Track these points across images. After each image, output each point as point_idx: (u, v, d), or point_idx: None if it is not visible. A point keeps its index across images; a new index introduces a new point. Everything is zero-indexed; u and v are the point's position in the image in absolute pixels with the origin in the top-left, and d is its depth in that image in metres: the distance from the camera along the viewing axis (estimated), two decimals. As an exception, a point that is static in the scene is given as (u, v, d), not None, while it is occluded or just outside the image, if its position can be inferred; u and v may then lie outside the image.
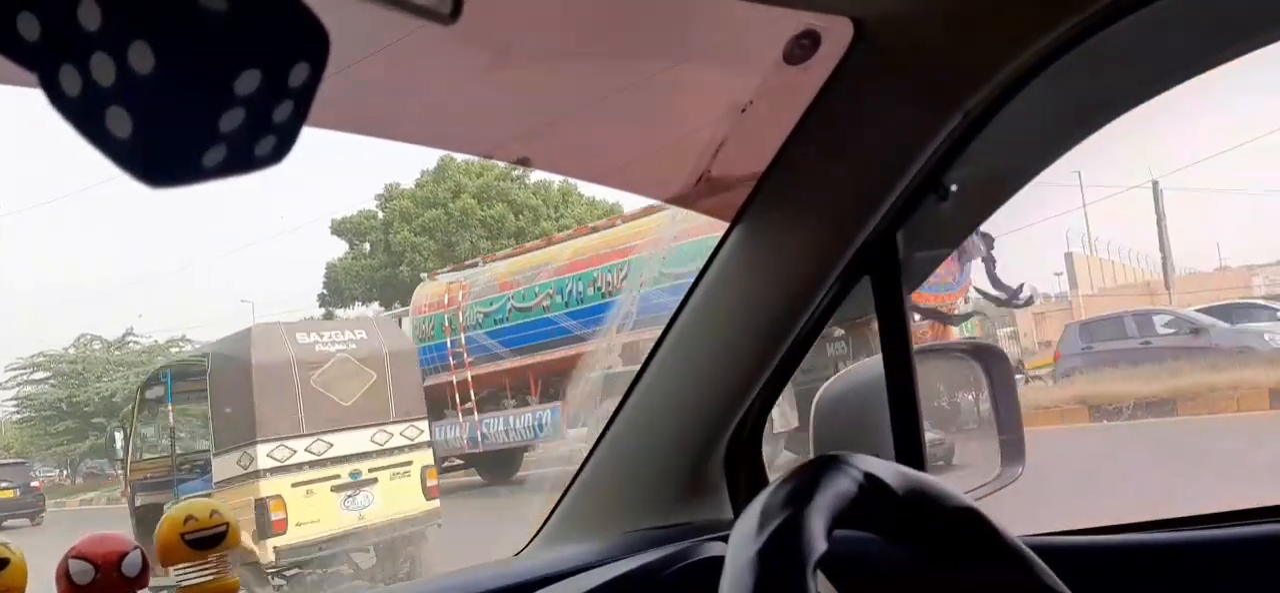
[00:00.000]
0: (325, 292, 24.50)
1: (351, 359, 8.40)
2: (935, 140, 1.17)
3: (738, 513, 1.50)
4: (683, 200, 1.30)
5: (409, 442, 8.59)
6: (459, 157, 23.01)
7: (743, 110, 1.18)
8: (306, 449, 8.04)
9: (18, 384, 30.72)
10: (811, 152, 1.22)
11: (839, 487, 0.81)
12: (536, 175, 23.51)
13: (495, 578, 1.27)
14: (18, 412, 31.40)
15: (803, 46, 1.11)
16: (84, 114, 0.48)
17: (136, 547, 0.91)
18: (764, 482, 1.51)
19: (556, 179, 23.41)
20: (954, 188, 1.27)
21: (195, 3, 0.47)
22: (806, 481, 0.80)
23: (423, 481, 8.51)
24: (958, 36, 1.10)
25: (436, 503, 8.63)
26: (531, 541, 1.62)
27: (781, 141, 1.21)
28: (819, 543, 0.74)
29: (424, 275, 15.92)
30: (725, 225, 1.34)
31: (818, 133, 1.20)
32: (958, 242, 1.38)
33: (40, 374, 30.64)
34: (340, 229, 24.14)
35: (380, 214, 23.58)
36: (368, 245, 23.93)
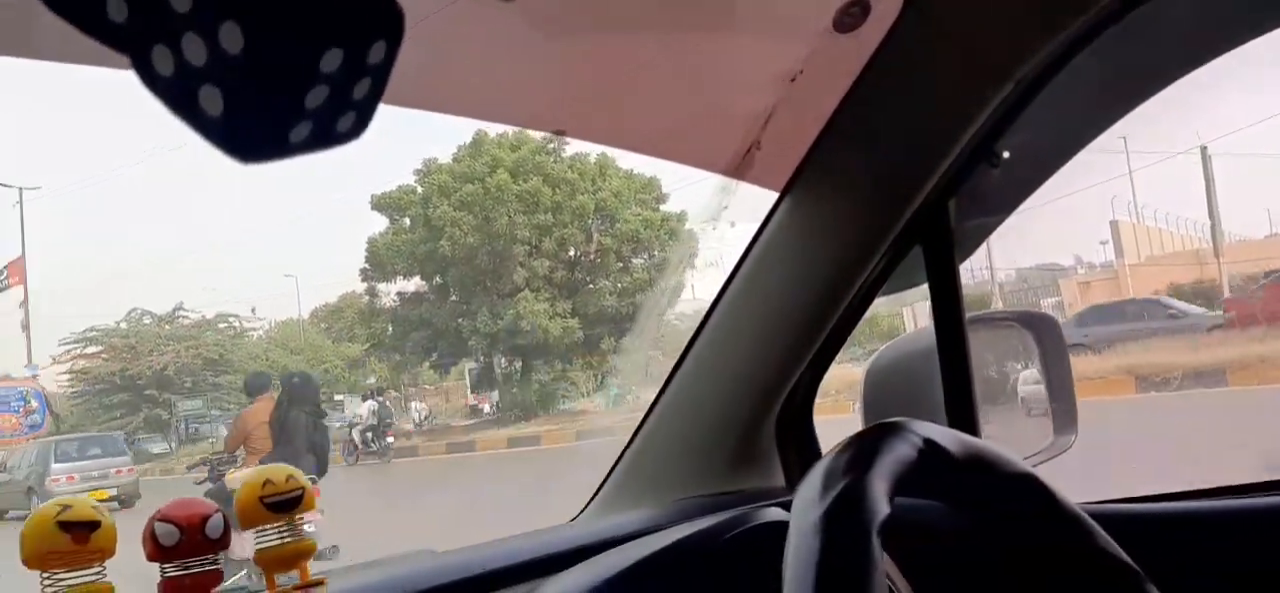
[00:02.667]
0: (368, 267, 24.78)
1: None
2: (987, 108, 1.17)
3: (790, 481, 1.52)
4: (731, 170, 1.31)
5: None
6: (494, 130, 23.10)
7: (793, 80, 1.18)
8: None
9: (72, 358, 31.44)
10: (862, 120, 1.22)
11: (900, 452, 0.83)
12: (573, 148, 23.49)
13: (553, 543, 1.30)
14: (72, 385, 32.14)
15: (852, 15, 1.11)
16: (177, 93, 0.50)
17: (218, 510, 0.94)
18: (816, 450, 1.52)
19: (593, 152, 23.41)
20: (1006, 155, 1.27)
21: None
22: (868, 446, 0.82)
23: None
24: (1011, 3, 1.09)
25: None
26: (585, 508, 1.65)
27: (831, 110, 1.22)
28: (882, 507, 0.76)
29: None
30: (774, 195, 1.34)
31: (868, 101, 1.20)
32: (1010, 209, 1.38)
33: (93, 348, 31.34)
34: (381, 204, 24.34)
35: (419, 189, 23.75)
36: (408, 220, 24.10)
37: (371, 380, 31.64)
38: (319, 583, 1.03)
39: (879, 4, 1.08)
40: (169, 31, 0.49)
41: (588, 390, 24.73)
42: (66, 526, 0.85)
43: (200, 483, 8.21)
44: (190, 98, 0.50)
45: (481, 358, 25.26)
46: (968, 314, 1.37)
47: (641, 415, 1.61)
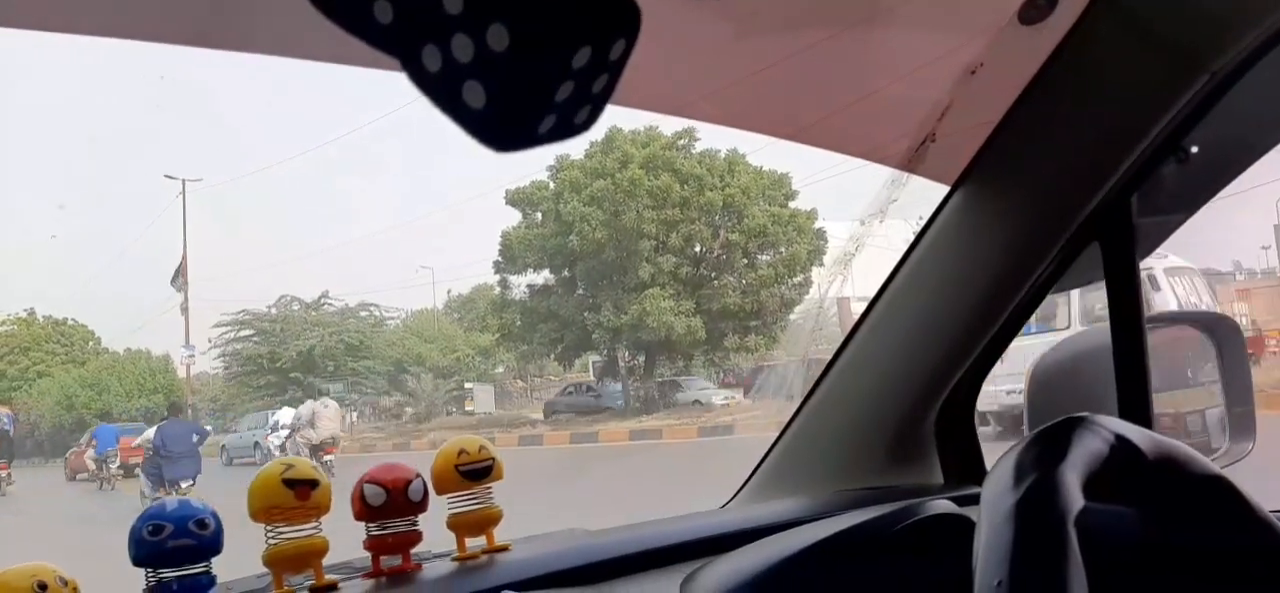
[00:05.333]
0: (500, 259, 25.46)
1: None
2: (1178, 102, 1.13)
3: (948, 478, 1.51)
4: (903, 163, 1.31)
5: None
6: (626, 126, 23.36)
7: (972, 73, 1.17)
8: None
9: (226, 341, 33.51)
10: (1043, 114, 1.20)
11: (1090, 446, 0.82)
12: (701, 145, 23.55)
13: (709, 527, 1.33)
14: (226, 367, 34.24)
15: (1039, 7, 1.09)
16: (443, 88, 0.55)
17: (418, 475, 1.01)
18: (977, 449, 1.50)
19: (722, 149, 23.41)
20: (1194, 150, 1.22)
21: None
22: (1058, 439, 0.81)
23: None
24: None
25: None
26: (737, 494, 1.67)
27: (1011, 103, 1.20)
28: (1077, 499, 0.75)
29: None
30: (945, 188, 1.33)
31: (1051, 95, 1.17)
32: (1195, 207, 1.32)
33: (245, 331, 33.31)
34: (514, 200, 24.98)
35: (551, 184, 24.24)
36: (539, 215, 24.65)
37: (500, 370, 32.47)
38: (504, 548, 1.09)
39: (1067, -5, 1.06)
40: (439, 32, 0.54)
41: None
42: (291, 483, 0.93)
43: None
44: (455, 92, 0.54)
45: (605, 351, 25.60)
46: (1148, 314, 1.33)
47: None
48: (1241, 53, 1.10)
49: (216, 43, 0.82)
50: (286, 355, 31.33)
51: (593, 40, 0.56)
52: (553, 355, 27.32)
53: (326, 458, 16.62)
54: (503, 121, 0.56)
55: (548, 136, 0.58)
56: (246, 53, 0.80)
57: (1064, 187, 1.24)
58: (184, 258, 30.07)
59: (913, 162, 1.28)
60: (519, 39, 0.53)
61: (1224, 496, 0.91)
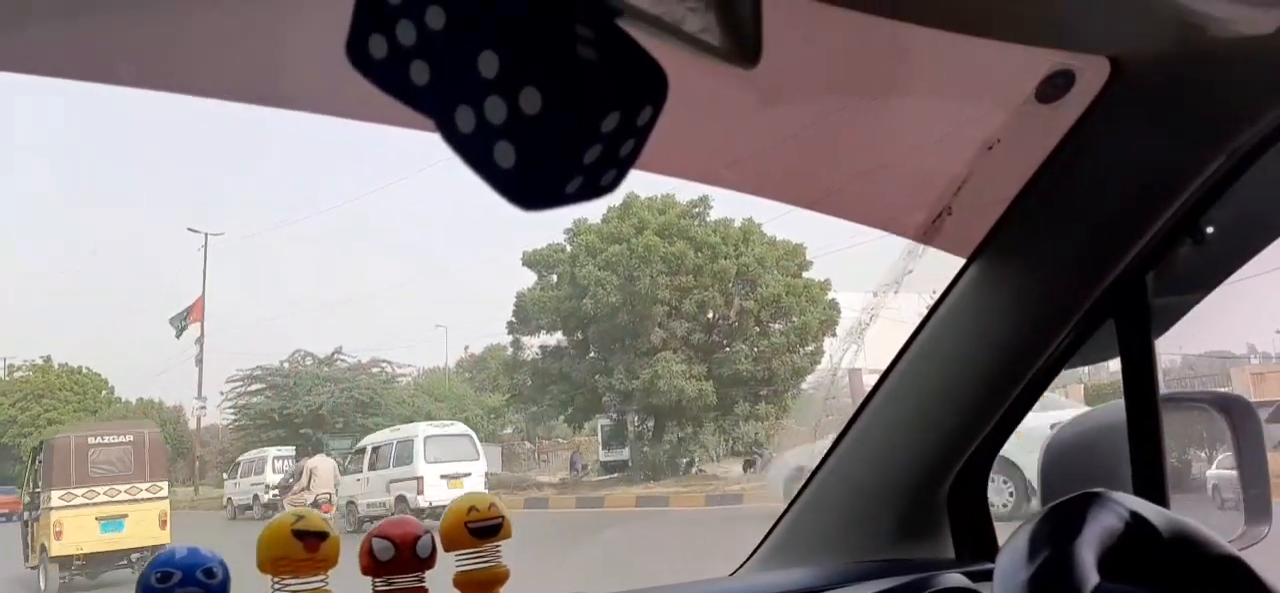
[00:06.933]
0: (514, 320, 25.48)
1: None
2: (1196, 181, 1.13)
3: (960, 554, 1.49)
4: (919, 234, 1.32)
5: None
6: (644, 192, 23.56)
7: (989, 148, 1.18)
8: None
9: (237, 394, 33.58)
10: (1060, 190, 1.20)
11: (1105, 523, 0.81)
12: (716, 213, 23.72)
13: None
14: (236, 420, 34.24)
15: (1057, 85, 1.11)
16: (475, 147, 0.56)
17: (428, 532, 1.01)
18: (989, 523, 1.49)
19: (737, 217, 23.54)
20: (1210, 231, 1.22)
21: (576, 53, 0.55)
22: (1073, 515, 0.80)
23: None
24: (1227, 75, 1.06)
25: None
26: (746, 562, 1.65)
27: (1027, 179, 1.21)
28: (1091, 576, 0.74)
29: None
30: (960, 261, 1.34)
31: (1068, 171, 1.18)
32: (1212, 286, 1.32)
33: (256, 386, 33.39)
34: (531, 261, 25.10)
35: (568, 248, 24.35)
36: (555, 277, 24.71)
37: (508, 431, 32.35)
38: (510, 609, 1.08)
39: (1084, 75, 1.07)
40: (473, 93, 0.55)
41: (718, 455, 24.57)
42: (300, 535, 0.93)
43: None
44: (487, 152, 0.55)
45: (614, 415, 25.46)
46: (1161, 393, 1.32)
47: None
48: (1261, 132, 1.11)
49: (251, 98, 0.84)
50: (296, 410, 31.34)
51: (622, 105, 0.57)
52: (563, 417, 27.19)
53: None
54: (531, 181, 0.57)
55: (574, 197, 0.59)
56: (281, 109, 0.82)
57: (1080, 263, 1.24)
58: (197, 303, 30.23)
59: (928, 233, 1.29)
60: (551, 102, 0.54)
61: (1239, 577, 0.90)
